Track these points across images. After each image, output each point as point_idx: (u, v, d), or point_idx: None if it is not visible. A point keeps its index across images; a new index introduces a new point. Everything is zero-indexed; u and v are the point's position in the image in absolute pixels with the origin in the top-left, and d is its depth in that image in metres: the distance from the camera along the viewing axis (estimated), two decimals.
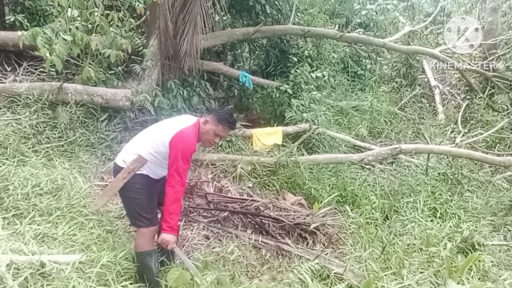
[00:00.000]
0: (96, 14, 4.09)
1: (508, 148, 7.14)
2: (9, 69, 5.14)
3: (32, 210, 2.93)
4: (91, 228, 3.02)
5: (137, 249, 2.70)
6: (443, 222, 4.39)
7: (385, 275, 2.82)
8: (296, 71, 7.00)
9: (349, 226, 4.21)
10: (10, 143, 3.77)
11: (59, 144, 4.27)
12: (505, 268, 3.49)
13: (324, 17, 8.62)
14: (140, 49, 5.46)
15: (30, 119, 4.21)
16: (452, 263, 3.02)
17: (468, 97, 8.73)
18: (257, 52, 8.51)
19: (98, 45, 4.42)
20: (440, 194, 5.00)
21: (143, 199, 2.66)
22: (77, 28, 3.89)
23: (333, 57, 8.51)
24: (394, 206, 4.75)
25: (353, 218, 4.26)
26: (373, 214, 4.45)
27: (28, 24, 5.20)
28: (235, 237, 3.72)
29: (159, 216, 2.80)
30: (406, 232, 4.12)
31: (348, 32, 8.61)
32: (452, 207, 4.73)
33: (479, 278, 3.01)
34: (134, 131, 5.30)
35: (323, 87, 7.55)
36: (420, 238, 3.80)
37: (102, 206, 3.04)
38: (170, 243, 2.58)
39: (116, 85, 5.26)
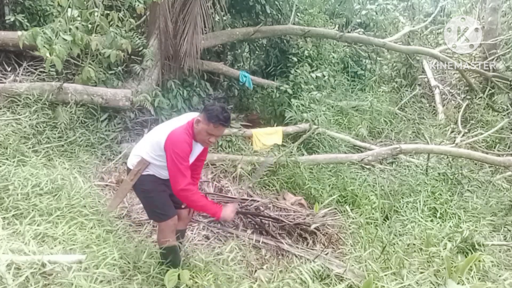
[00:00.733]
0: (96, 14, 4.09)
1: (508, 148, 7.14)
2: (9, 69, 5.13)
3: (32, 210, 2.93)
4: (91, 228, 3.02)
5: (158, 243, 2.81)
6: (443, 222, 4.39)
7: (385, 275, 2.82)
8: (296, 71, 7.00)
9: (349, 226, 4.21)
10: (10, 143, 3.77)
11: (59, 144, 4.26)
12: (505, 268, 3.49)
13: (324, 17, 8.62)
14: (140, 49, 5.46)
15: (30, 119, 4.21)
16: (452, 263, 3.02)
17: (468, 97, 8.74)
18: (257, 52, 8.51)
19: (98, 45, 4.42)
20: (440, 194, 5.00)
21: (154, 197, 2.71)
22: (77, 28, 3.90)
23: (333, 57, 8.51)
24: (394, 206, 4.75)
25: (353, 218, 4.26)
26: (373, 214, 4.45)
27: (28, 24, 5.20)
28: (235, 237, 3.72)
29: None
30: (406, 232, 4.12)
31: (348, 32, 8.61)
32: (452, 207, 4.73)
33: (479, 278, 3.01)
34: (134, 131, 5.31)
35: (323, 87, 7.55)
36: (420, 238, 3.80)
37: (116, 208, 3.20)
38: (230, 217, 2.65)
39: (116, 85, 5.26)
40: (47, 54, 3.64)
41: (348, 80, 8.81)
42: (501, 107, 8.15)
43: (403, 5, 12.24)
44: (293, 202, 4.55)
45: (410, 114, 8.55)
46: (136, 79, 5.50)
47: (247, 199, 4.34)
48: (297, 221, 4.02)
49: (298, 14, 7.96)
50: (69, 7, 3.83)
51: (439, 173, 5.65)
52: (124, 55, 4.92)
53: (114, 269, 2.56)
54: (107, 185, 4.16)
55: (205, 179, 4.63)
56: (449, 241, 3.59)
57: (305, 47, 7.59)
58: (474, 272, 2.99)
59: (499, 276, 3.13)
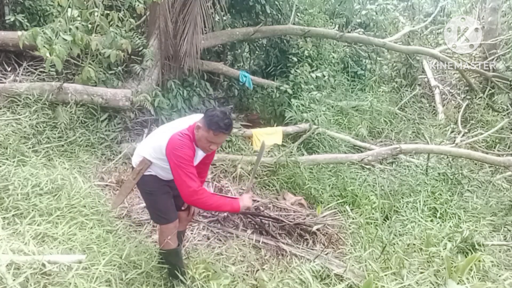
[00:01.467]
0: (96, 14, 4.09)
1: (508, 148, 7.14)
2: (9, 69, 5.13)
3: (32, 210, 2.93)
4: (91, 228, 3.02)
5: (159, 246, 2.77)
6: (443, 222, 4.39)
7: (385, 275, 2.82)
8: (296, 71, 7.00)
9: (349, 226, 4.21)
10: (10, 143, 3.77)
11: (59, 144, 4.26)
12: (505, 268, 3.49)
13: (324, 17, 8.62)
14: (140, 49, 5.46)
15: (30, 119, 4.21)
16: (452, 263, 3.02)
17: (468, 97, 8.74)
18: (257, 52, 8.51)
19: (98, 45, 4.42)
20: (440, 194, 5.00)
21: (155, 199, 2.67)
22: (77, 28, 3.90)
23: (333, 57, 8.51)
24: (394, 206, 4.75)
25: (353, 218, 4.26)
26: (373, 214, 4.45)
27: (28, 24, 5.20)
28: (235, 237, 3.72)
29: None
30: (406, 232, 4.12)
31: (348, 32, 8.61)
32: (452, 207, 4.73)
33: (479, 278, 3.01)
34: (134, 131, 5.31)
35: (323, 87, 7.55)
36: (420, 238, 3.80)
37: (120, 205, 3.21)
38: (250, 204, 2.57)
39: (116, 85, 5.26)
40: (47, 54, 3.64)
41: (348, 80, 8.81)
42: (501, 107, 8.15)
43: (403, 5, 12.24)
44: (293, 202, 4.55)
45: (410, 114, 8.55)
46: (136, 79, 5.50)
47: None
48: (297, 221, 4.02)
49: (298, 14, 7.96)
50: (69, 7, 3.83)
51: (439, 173, 5.65)
52: (124, 55, 4.92)
53: (113, 269, 2.56)
54: (107, 185, 4.16)
55: (205, 179, 4.63)
56: (449, 241, 3.59)
57: (305, 47, 7.59)
58: (474, 272, 2.99)
59: (499, 276, 3.13)
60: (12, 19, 5.12)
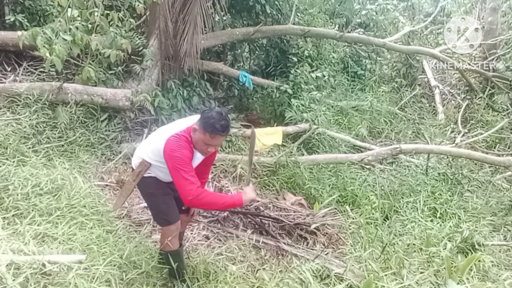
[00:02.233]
0: (96, 14, 4.09)
1: (508, 148, 7.14)
2: (9, 69, 5.13)
3: (32, 210, 2.93)
4: (91, 228, 3.02)
5: (160, 247, 2.77)
6: (443, 222, 4.39)
7: (385, 275, 2.82)
8: (296, 71, 7.00)
9: (349, 226, 4.21)
10: (10, 143, 3.77)
11: (59, 144, 4.26)
12: (505, 268, 3.49)
13: (324, 17, 8.62)
14: (140, 49, 5.46)
15: (30, 119, 4.21)
16: (452, 263, 3.02)
17: (468, 97, 8.73)
18: (257, 52, 8.51)
19: (98, 45, 4.42)
20: (440, 194, 5.00)
21: (158, 201, 2.66)
22: (77, 28, 3.90)
23: (333, 57, 8.50)
24: (394, 206, 4.75)
25: (353, 218, 4.26)
26: (373, 214, 4.45)
27: (28, 24, 5.20)
28: (235, 237, 3.72)
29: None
30: (406, 232, 4.12)
31: (348, 32, 8.61)
32: (452, 207, 4.73)
33: (479, 278, 3.01)
34: (134, 131, 5.31)
35: (323, 87, 7.55)
36: (420, 238, 3.80)
37: (121, 206, 3.21)
38: (253, 197, 2.52)
39: (116, 85, 5.26)
40: (47, 54, 3.64)
41: (348, 80, 8.81)
42: (501, 107, 8.15)
43: (403, 5, 12.23)
44: (293, 202, 4.55)
45: (410, 114, 8.55)
46: (136, 79, 5.50)
47: None
48: (297, 221, 4.02)
49: (298, 14, 7.96)
50: (69, 7, 3.83)
51: (439, 173, 5.65)
52: (124, 55, 4.91)
53: (114, 269, 2.56)
54: (107, 185, 4.16)
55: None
56: (449, 241, 3.59)
57: (305, 47, 7.59)
58: (474, 272, 2.99)
59: (499, 276, 3.13)
60: (12, 19, 5.12)
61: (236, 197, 2.47)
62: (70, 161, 4.12)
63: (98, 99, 4.76)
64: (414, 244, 3.64)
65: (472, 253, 3.38)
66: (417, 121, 8.34)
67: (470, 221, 4.45)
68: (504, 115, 7.94)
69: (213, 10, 6.16)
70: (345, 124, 7.42)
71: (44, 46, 3.63)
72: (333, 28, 9.06)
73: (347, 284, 2.88)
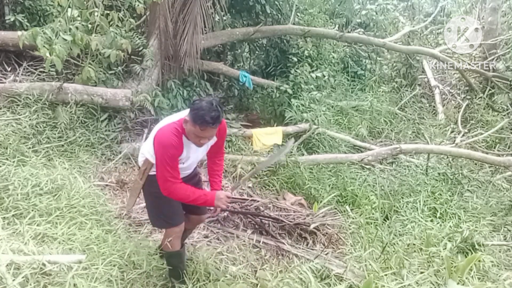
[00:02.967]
0: (96, 14, 4.09)
1: (508, 148, 7.14)
2: (9, 69, 5.13)
3: (32, 210, 2.93)
4: (91, 228, 3.02)
5: (162, 248, 2.71)
6: (443, 222, 4.39)
7: (385, 275, 2.82)
8: (296, 71, 7.00)
9: (349, 226, 4.21)
10: (10, 143, 3.77)
11: (59, 144, 4.26)
12: (505, 268, 3.49)
13: (324, 17, 8.62)
14: (140, 49, 5.46)
15: (30, 119, 4.20)
16: (452, 263, 3.02)
17: (468, 97, 8.73)
18: (257, 52, 8.51)
19: (98, 45, 4.42)
20: (440, 194, 5.00)
21: (158, 201, 2.55)
22: (77, 28, 3.90)
23: (333, 57, 8.51)
24: (394, 206, 4.75)
25: (353, 218, 4.26)
26: (373, 214, 4.45)
27: (28, 24, 5.19)
28: (235, 237, 3.72)
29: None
30: (406, 232, 4.12)
31: (348, 32, 8.61)
32: (452, 207, 4.73)
33: (479, 278, 3.01)
34: (134, 131, 5.31)
35: (323, 87, 7.55)
36: (420, 238, 3.80)
37: (133, 206, 3.16)
38: (222, 204, 2.46)
39: (116, 85, 5.26)
40: (47, 54, 3.64)
41: (348, 80, 8.81)
42: (501, 107, 8.15)
43: (403, 5, 12.23)
44: (293, 202, 4.55)
45: (410, 114, 8.55)
46: (136, 79, 5.50)
47: (247, 199, 4.34)
48: (297, 221, 4.01)
49: (298, 14, 7.96)
50: (69, 7, 3.83)
51: (439, 173, 5.65)
52: (124, 55, 4.91)
53: (113, 269, 2.56)
54: (107, 185, 4.16)
55: (204, 179, 4.63)
56: (449, 241, 3.59)
57: (305, 47, 7.59)
58: (474, 272, 2.99)
59: (499, 276, 3.13)
60: (12, 19, 5.12)
61: (209, 197, 2.44)
62: (70, 161, 4.12)
63: (98, 99, 4.76)
64: (414, 244, 3.64)
65: (472, 253, 3.38)
66: (417, 121, 8.34)
67: (470, 221, 4.45)
68: (504, 115, 7.94)
69: (213, 10, 6.16)
70: (345, 124, 7.42)
71: (44, 46, 3.63)
72: (333, 28, 9.06)
73: (347, 284, 2.88)
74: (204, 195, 2.45)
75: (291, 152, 5.32)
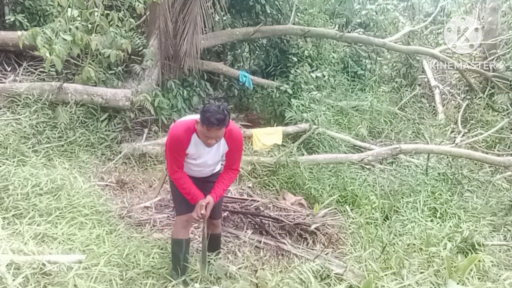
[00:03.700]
0: (96, 14, 4.09)
1: (508, 148, 7.13)
2: (9, 69, 5.14)
3: (32, 210, 2.93)
4: (91, 228, 3.02)
5: (171, 235, 2.95)
6: (443, 222, 4.39)
7: (385, 275, 2.82)
8: (296, 71, 7.00)
9: (349, 226, 4.21)
10: (10, 143, 3.77)
11: (59, 144, 4.26)
12: (505, 268, 3.49)
13: (324, 17, 8.63)
14: (140, 49, 5.46)
15: (30, 119, 4.21)
16: (452, 263, 3.02)
17: (468, 97, 8.73)
18: (257, 52, 8.51)
19: (98, 45, 4.42)
20: (440, 194, 5.00)
21: (174, 191, 2.88)
22: (77, 28, 3.90)
23: (333, 57, 8.51)
24: (394, 206, 4.75)
25: (353, 218, 4.26)
26: (373, 214, 4.45)
27: (28, 24, 5.20)
28: (235, 237, 3.72)
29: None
30: (406, 232, 4.12)
31: (348, 32, 8.61)
32: (452, 207, 4.72)
33: (479, 278, 3.01)
34: (134, 131, 5.31)
35: (323, 87, 7.55)
36: (420, 238, 3.80)
37: (159, 192, 3.83)
38: (196, 212, 2.68)
39: (116, 85, 5.26)
40: (47, 54, 3.64)
41: (348, 80, 8.81)
42: (501, 107, 8.14)
43: (403, 5, 12.23)
44: (293, 202, 4.55)
45: (410, 114, 8.54)
46: (136, 79, 5.50)
47: (247, 199, 4.34)
48: (297, 221, 4.01)
49: (298, 14, 7.96)
50: (69, 7, 3.83)
51: (439, 173, 5.64)
52: (124, 55, 4.92)
53: (113, 269, 2.56)
54: (107, 185, 4.16)
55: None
56: (449, 241, 3.59)
57: (305, 47, 7.59)
58: (474, 272, 2.99)
59: (499, 276, 3.13)
60: (12, 19, 5.12)
61: (194, 199, 2.68)
62: (70, 161, 4.12)
63: (98, 99, 4.75)
64: (414, 244, 3.64)
65: (472, 253, 3.37)
66: (417, 121, 8.34)
67: (470, 221, 4.45)
68: (504, 115, 7.93)
69: (213, 10, 6.16)
70: (345, 124, 7.42)
71: (44, 46, 3.63)
72: (333, 28, 9.06)
73: (347, 284, 2.88)
74: (192, 195, 2.69)
75: (291, 152, 5.32)
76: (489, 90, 8.46)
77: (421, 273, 2.96)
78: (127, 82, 5.46)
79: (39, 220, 2.83)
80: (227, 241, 3.63)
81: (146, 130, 5.29)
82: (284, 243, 3.74)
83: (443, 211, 4.64)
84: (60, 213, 3.01)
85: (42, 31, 3.71)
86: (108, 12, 4.35)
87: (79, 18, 4.06)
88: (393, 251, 3.30)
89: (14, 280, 2.03)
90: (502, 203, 5.04)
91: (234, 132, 2.66)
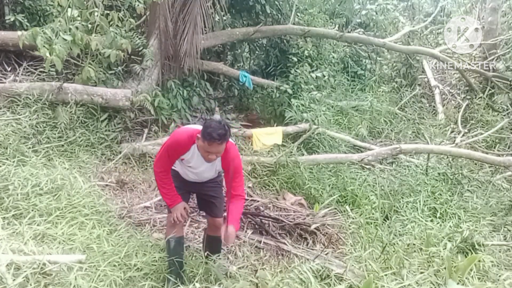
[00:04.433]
0: (96, 14, 4.10)
1: (508, 148, 7.14)
2: (9, 69, 5.13)
3: (32, 210, 2.93)
4: (91, 228, 3.02)
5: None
6: (443, 222, 4.39)
7: (385, 275, 2.82)
8: (296, 71, 7.00)
9: (349, 226, 4.21)
10: (10, 143, 3.77)
11: (59, 144, 4.26)
12: (505, 268, 3.48)
13: (324, 17, 8.62)
14: (140, 49, 5.46)
15: (30, 119, 4.20)
16: (452, 263, 3.01)
17: (468, 97, 8.73)
18: (257, 52, 8.51)
19: (98, 45, 4.42)
20: (440, 194, 5.00)
21: None
22: (77, 28, 3.90)
23: (333, 57, 8.51)
24: (394, 206, 4.75)
25: (353, 218, 4.26)
26: (373, 214, 4.45)
27: (28, 24, 5.19)
28: (235, 237, 3.71)
29: None
30: (406, 232, 4.12)
31: (348, 32, 8.62)
32: (452, 207, 4.72)
33: (479, 278, 3.01)
34: (134, 131, 5.31)
35: (323, 87, 7.55)
36: (420, 238, 3.79)
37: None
38: (174, 215, 2.71)
39: (116, 85, 5.26)
40: (47, 54, 3.64)
41: (348, 80, 8.81)
42: (501, 107, 8.14)
43: (403, 5, 12.24)
44: (293, 202, 4.55)
45: (410, 114, 8.54)
46: (136, 79, 5.50)
47: (247, 199, 4.34)
48: (297, 221, 4.01)
49: (298, 14, 7.96)
50: (69, 7, 3.84)
51: (439, 173, 5.64)
52: (124, 55, 4.91)
53: (114, 269, 2.56)
54: (107, 185, 4.16)
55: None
56: (449, 241, 3.58)
57: (305, 47, 7.59)
58: (474, 272, 2.99)
59: (499, 276, 3.13)
60: (12, 19, 5.12)
61: (170, 201, 2.73)
62: (70, 161, 4.12)
63: (98, 99, 4.75)
64: (414, 244, 3.63)
65: (472, 253, 3.37)
66: (417, 121, 8.34)
67: (470, 221, 4.45)
68: (504, 115, 7.93)
69: (213, 10, 6.16)
70: (345, 124, 7.42)
71: (44, 46, 3.63)
72: (333, 28, 9.06)
73: (347, 284, 2.88)
74: (170, 196, 2.72)
75: (291, 152, 5.32)
76: (489, 90, 8.46)
77: (421, 273, 2.96)
78: (127, 82, 5.46)
79: (39, 220, 2.83)
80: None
81: (146, 130, 5.28)
82: (284, 243, 3.74)
83: (443, 211, 4.64)
84: (60, 213, 3.01)
85: (42, 31, 3.71)
86: (108, 12, 4.35)
87: (79, 18, 4.07)
88: (393, 251, 3.30)
89: (14, 280, 2.03)
90: (502, 203, 5.04)
91: (231, 151, 2.64)
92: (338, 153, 6.19)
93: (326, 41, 8.50)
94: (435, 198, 4.93)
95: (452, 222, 4.33)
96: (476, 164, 6.22)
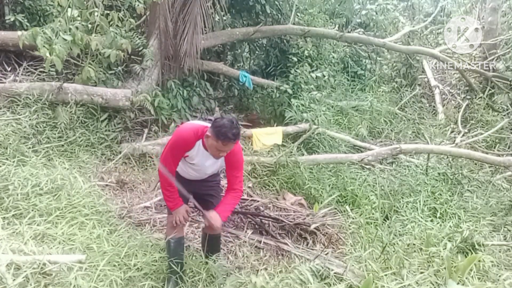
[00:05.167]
0: (96, 14, 4.10)
1: (508, 148, 7.13)
2: (9, 69, 5.14)
3: (32, 210, 2.93)
4: (91, 228, 3.02)
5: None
6: (443, 222, 4.38)
7: (385, 275, 2.82)
8: (296, 71, 7.00)
9: (349, 226, 4.21)
10: (10, 143, 3.77)
11: (59, 144, 4.26)
12: (505, 268, 3.48)
13: (324, 17, 8.63)
14: (140, 49, 5.46)
15: (30, 119, 4.21)
16: (452, 263, 3.01)
17: (468, 97, 8.73)
18: (257, 52, 8.52)
19: (98, 45, 4.42)
20: (440, 194, 5.00)
21: None
22: (77, 28, 3.91)
23: (333, 57, 8.51)
24: (394, 206, 4.75)
25: (353, 218, 4.26)
26: (373, 214, 4.45)
27: (28, 24, 5.20)
28: (235, 237, 3.72)
29: None
30: (406, 232, 4.12)
31: (348, 32, 8.62)
32: (452, 207, 4.72)
33: (479, 278, 3.01)
34: (134, 131, 5.31)
35: (323, 87, 7.55)
36: (420, 238, 3.79)
37: (154, 188, 3.97)
38: (177, 218, 2.72)
39: (116, 85, 5.26)
40: (47, 54, 3.65)
41: (348, 80, 8.81)
42: (501, 107, 8.14)
43: (403, 5, 12.24)
44: (293, 202, 4.55)
45: (410, 114, 8.54)
46: (136, 79, 5.50)
47: (247, 199, 4.34)
48: (297, 221, 4.01)
49: (298, 14, 7.96)
50: (69, 7, 3.84)
51: (439, 173, 5.64)
52: (124, 55, 4.92)
53: (114, 269, 2.56)
54: (107, 185, 4.16)
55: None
56: (449, 241, 3.58)
57: (305, 47, 7.59)
58: (474, 272, 2.99)
59: (499, 276, 3.13)
60: (12, 19, 5.12)
61: (172, 203, 2.70)
62: (70, 161, 4.12)
63: (98, 99, 4.75)
64: (414, 244, 3.63)
65: (472, 253, 3.37)
66: (417, 121, 8.34)
67: (470, 221, 4.44)
68: (504, 115, 7.93)
69: (213, 10, 6.16)
70: (345, 124, 7.42)
71: (44, 46, 3.63)
72: (333, 28, 9.07)
73: (347, 284, 2.88)
74: (172, 199, 2.69)
75: (291, 152, 5.32)
76: (489, 90, 8.46)
77: (421, 273, 2.96)
78: (127, 82, 5.46)
79: (39, 220, 2.83)
80: (227, 241, 3.63)
81: (146, 130, 5.28)
82: (284, 243, 3.74)
83: (443, 211, 4.64)
84: (60, 213, 3.01)
85: (42, 31, 3.71)
86: (108, 12, 4.35)
87: (79, 18, 4.07)
88: (393, 251, 3.30)
89: (14, 280, 2.03)
90: (502, 203, 5.04)
91: (236, 146, 2.61)
92: (338, 153, 6.19)
93: (326, 41, 8.50)
94: (435, 198, 4.93)
95: (452, 222, 4.32)
96: (476, 164, 6.22)
